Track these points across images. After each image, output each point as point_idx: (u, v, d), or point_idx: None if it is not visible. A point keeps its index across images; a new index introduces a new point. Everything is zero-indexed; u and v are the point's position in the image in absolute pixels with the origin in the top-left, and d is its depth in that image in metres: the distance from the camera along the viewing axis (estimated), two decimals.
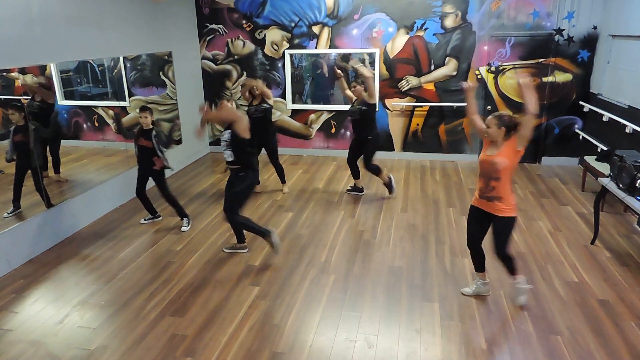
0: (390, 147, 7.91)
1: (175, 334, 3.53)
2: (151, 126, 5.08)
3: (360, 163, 6.04)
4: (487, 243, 3.76)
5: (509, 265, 3.69)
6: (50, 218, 5.02)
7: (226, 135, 4.38)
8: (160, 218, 5.63)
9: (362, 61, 5.81)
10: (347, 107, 7.92)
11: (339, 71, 6.03)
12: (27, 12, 4.61)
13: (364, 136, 5.87)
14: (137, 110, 5.08)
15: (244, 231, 4.77)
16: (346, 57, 7.75)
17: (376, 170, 6.00)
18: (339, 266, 4.47)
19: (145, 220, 5.58)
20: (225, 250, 4.81)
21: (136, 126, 6.58)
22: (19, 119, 4.68)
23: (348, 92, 5.99)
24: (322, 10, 7.53)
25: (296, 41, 7.76)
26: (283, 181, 6.49)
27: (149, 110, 5.07)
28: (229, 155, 4.42)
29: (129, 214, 5.82)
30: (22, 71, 4.77)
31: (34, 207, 4.85)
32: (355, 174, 6.21)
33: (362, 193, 6.30)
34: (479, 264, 3.87)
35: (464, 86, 3.76)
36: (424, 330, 3.51)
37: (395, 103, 7.68)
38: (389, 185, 6.14)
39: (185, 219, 5.42)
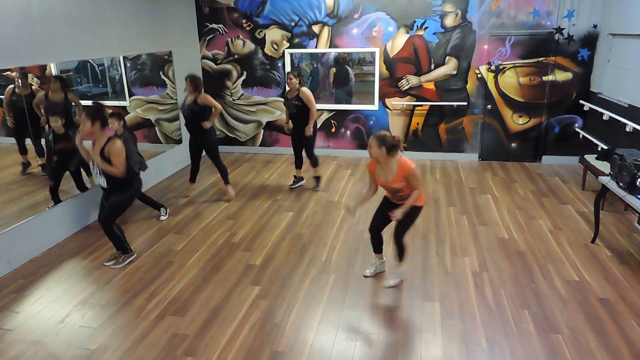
0: None
1: (176, 333, 3.54)
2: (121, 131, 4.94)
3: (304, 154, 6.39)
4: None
5: (401, 251, 4.01)
6: (50, 218, 5.02)
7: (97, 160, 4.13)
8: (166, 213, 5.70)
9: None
10: (347, 107, 7.97)
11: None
12: (27, 11, 4.61)
13: (301, 128, 6.13)
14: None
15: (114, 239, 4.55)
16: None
17: (315, 162, 6.36)
18: (339, 266, 4.47)
19: (163, 217, 5.62)
20: (105, 264, 4.57)
21: (136, 126, 6.63)
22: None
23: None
24: (322, 9, 7.53)
25: (296, 40, 7.76)
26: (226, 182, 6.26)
27: (118, 117, 5.00)
28: (102, 182, 4.25)
29: (129, 214, 5.81)
30: (23, 71, 4.77)
31: (33, 208, 4.85)
32: (300, 165, 6.53)
33: (302, 182, 6.63)
34: (378, 247, 4.21)
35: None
36: (425, 330, 3.51)
37: (395, 102, 7.68)
38: (317, 180, 6.50)
39: (162, 209, 5.63)
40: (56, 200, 5.09)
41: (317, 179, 6.54)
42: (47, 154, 4.98)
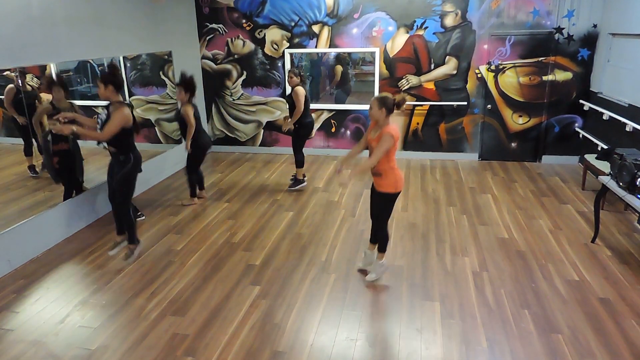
0: None
1: (176, 333, 3.54)
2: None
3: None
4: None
5: (382, 242, 4.07)
6: (50, 218, 5.02)
7: (102, 115, 4.22)
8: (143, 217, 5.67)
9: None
10: (347, 107, 7.97)
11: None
12: (27, 11, 4.61)
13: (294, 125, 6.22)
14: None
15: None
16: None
17: (298, 163, 6.40)
18: (339, 265, 4.47)
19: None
20: (110, 253, 4.64)
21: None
22: None
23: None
24: (322, 9, 7.53)
25: (296, 40, 7.76)
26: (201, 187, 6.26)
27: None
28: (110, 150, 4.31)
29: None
30: (23, 71, 4.77)
31: (33, 207, 4.85)
32: (302, 164, 6.49)
33: (303, 184, 6.52)
34: (373, 236, 4.23)
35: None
36: (425, 329, 3.51)
37: None
38: (297, 182, 6.47)
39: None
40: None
41: (295, 179, 6.49)
42: (46, 154, 4.97)
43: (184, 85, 5.53)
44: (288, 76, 6.08)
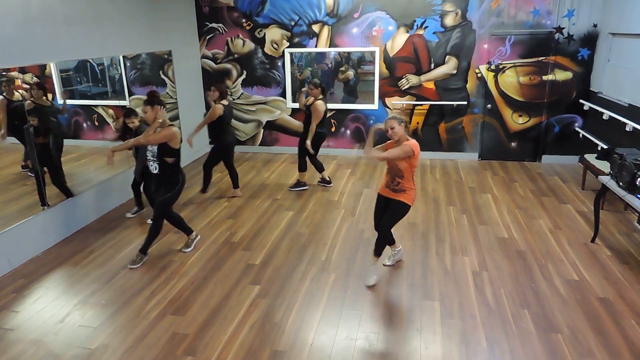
0: None
1: (176, 332, 3.54)
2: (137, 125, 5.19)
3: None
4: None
5: (381, 244, 4.10)
6: (50, 218, 5.02)
7: (154, 147, 4.39)
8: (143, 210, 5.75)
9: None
10: (348, 106, 7.97)
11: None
12: (26, 11, 4.61)
13: (305, 135, 6.18)
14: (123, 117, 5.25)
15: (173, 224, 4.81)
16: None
17: (319, 168, 6.41)
18: (339, 265, 4.48)
19: (131, 214, 5.72)
20: (184, 250, 4.81)
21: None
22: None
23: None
24: (322, 8, 7.52)
25: (296, 40, 7.75)
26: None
27: (135, 114, 5.20)
28: (154, 169, 4.48)
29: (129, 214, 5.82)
30: (22, 70, 4.77)
31: (33, 207, 4.85)
32: (319, 168, 6.47)
33: (305, 187, 6.50)
34: (390, 241, 4.32)
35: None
36: (425, 329, 3.51)
37: (395, 102, 7.67)
38: (323, 181, 6.56)
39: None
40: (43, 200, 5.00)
41: (323, 180, 6.59)
42: (29, 145, 4.87)
43: (219, 91, 5.72)
44: (308, 87, 6.04)
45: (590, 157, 6.03)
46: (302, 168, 6.42)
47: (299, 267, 4.44)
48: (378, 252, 4.13)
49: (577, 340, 3.35)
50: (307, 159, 6.37)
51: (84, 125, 5.82)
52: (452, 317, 3.64)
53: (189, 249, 4.82)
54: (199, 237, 5.00)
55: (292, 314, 3.73)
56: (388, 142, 4.04)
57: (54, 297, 4.06)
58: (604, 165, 5.46)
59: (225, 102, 5.80)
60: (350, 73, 8.33)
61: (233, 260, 4.61)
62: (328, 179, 6.58)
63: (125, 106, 6.15)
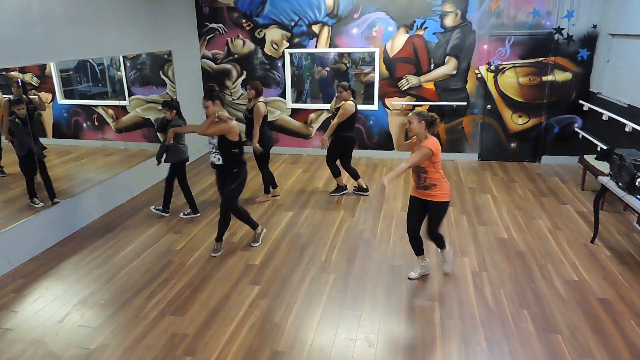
0: (390, 147, 7.91)
1: (176, 333, 3.54)
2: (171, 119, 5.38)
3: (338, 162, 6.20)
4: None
5: (441, 241, 4.14)
6: (50, 217, 5.02)
7: (214, 139, 4.54)
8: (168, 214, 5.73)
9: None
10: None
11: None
12: (27, 11, 4.61)
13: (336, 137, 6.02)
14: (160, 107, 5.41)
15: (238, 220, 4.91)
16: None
17: (337, 171, 6.19)
18: (339, 265, 4.48)
19: (155, 209, 5.76)
20: (253, 244, 4.90)
21: (135, 125, 6.62)
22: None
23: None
24: (322, 9, 7.53)
25: (296, 40, 7.76)
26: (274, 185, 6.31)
27: (168, 105, 5.38)
28: (217, 160, 4.61)
29: (129, 214, 5.82)
30: (22, 70, 4.77)
31: (33, 206, 4.85)
32: (354, 175, 6.20)
33: (367, 193, 6.27)
34: (420, 248, 4.18)
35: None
36: (424, 330, 3.51)
37: (395, 102, 7.68)
38: (341, 189, 6.30)
39: (191, 209, 5.72)
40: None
41: (359, 187, 6.28)
42: (15, 134, 4.85)
43: (254, 89, 5.70)
44: (337, 90, 5.82)
45: (590, 158, 6.04)
46: (336, 173, 6.17)
47: (299, 268, 4.44)
48: (441, 245, 4.19)
49: (576, 340, 3.35)
50: (341, 165, 6.15)
51: (84, 125, 5.82)
52: (452, 318, 3.64)
53: (257, 244, 4.89)
54: (264, 230, 5.05)
55: (292, 315, 3.73)
56: (412, 138, 4.00)
57: (53, 297, 4.06)
58: (604, 166, 5.47)
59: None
60: (372, 74, 8.21)
61: (233, 260, 4.61)
62: (365, 187, 6.25)
63: (124, 106, 6.16)
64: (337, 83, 6.01)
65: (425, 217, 4.07)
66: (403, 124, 4.03)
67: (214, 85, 5.07)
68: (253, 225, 4.92)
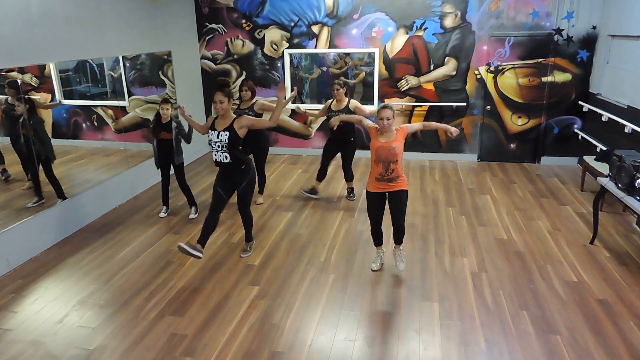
0: None
1: (175, 333, 3.54)
2: (169, 119, 5.35)
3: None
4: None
5: (402, 236, 4.23)
6: (49, 218, 5.02)
7: (223, 137, 4.23)
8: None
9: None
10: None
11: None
12: (26, 11, 4.61)
13: (345, 139, 5.88)
14: (159, 103, 5.36)
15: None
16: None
17: (350, 176, 6.10)
18: (338, 266, 4.48)
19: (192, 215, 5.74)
20: (242, 255, 4.74)
21: (135, 125, 6.62)
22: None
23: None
24: (322, 9, 7.53)
25: (295, 41, 7.76)
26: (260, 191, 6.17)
27: (171, 103, 5.35)
28: (224, 158, 4.31)
29: (128, 214, 5.82)
30: (22, 70, 4.77)
31: (33, 207, 4.85)
32: (321, 177, 6.16)
33: (316, 196, 6.21)
34: (381, 239, 4.36)
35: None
36: (424, 330, 3.51)
37: (394, 103, 7.68)
38: (350, 192, 6.19)
39: (193, 208, 5.72)
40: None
41: (350, 191, 6.21)
42: (10, 129, 4.83)
43: (251, 90, 5.73)
44: (334, 88, 5.66)
45: (589, 159, 6.04)
46: (349, 178, 6.09)
47: (298, 268, 4.44)
48: (400, 241, 4.26)
49: (575, 341, 3.35)
50: (344, 166, 6.05)
51: (83, 125, 5.82)
52: (451, 318, 3.64)
53: (247, 254, 4.72)
54: (254, 248, 4.89)
55: (291, 315, 3.73)
56: (372, 128, 4.08)
57: (52, 297, 4.06)
58: (603, 167, 5.47)
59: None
60: (363, 74, 8.21)
61: (232, 260, 4.61)
62: (317, 190, 6.20)
63: (124, 106, 6.16)
64: (332, 82, 5.88)
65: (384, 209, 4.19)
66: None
67: (228, 80, 4.91)
68: (250, 237, 4.78)
